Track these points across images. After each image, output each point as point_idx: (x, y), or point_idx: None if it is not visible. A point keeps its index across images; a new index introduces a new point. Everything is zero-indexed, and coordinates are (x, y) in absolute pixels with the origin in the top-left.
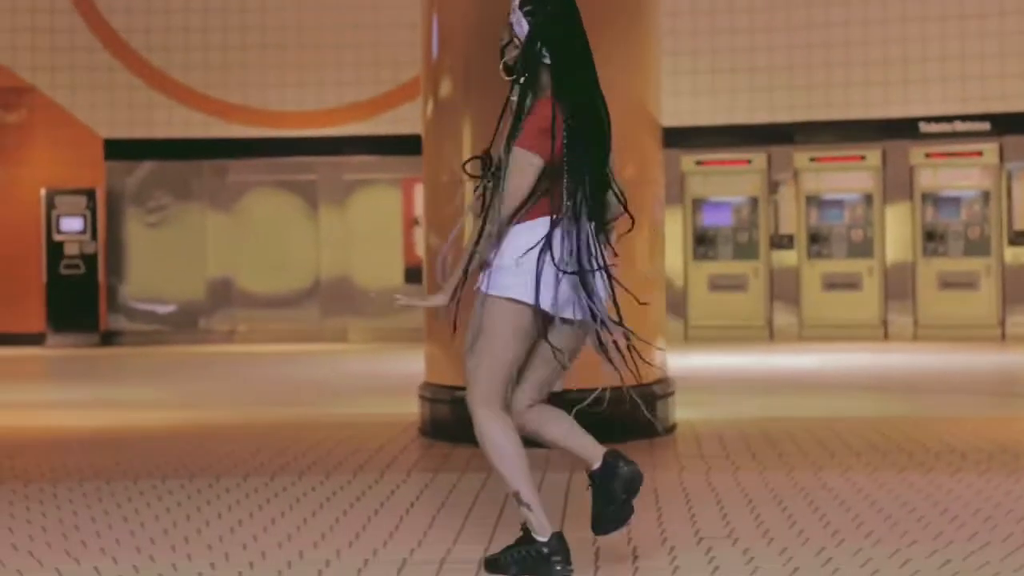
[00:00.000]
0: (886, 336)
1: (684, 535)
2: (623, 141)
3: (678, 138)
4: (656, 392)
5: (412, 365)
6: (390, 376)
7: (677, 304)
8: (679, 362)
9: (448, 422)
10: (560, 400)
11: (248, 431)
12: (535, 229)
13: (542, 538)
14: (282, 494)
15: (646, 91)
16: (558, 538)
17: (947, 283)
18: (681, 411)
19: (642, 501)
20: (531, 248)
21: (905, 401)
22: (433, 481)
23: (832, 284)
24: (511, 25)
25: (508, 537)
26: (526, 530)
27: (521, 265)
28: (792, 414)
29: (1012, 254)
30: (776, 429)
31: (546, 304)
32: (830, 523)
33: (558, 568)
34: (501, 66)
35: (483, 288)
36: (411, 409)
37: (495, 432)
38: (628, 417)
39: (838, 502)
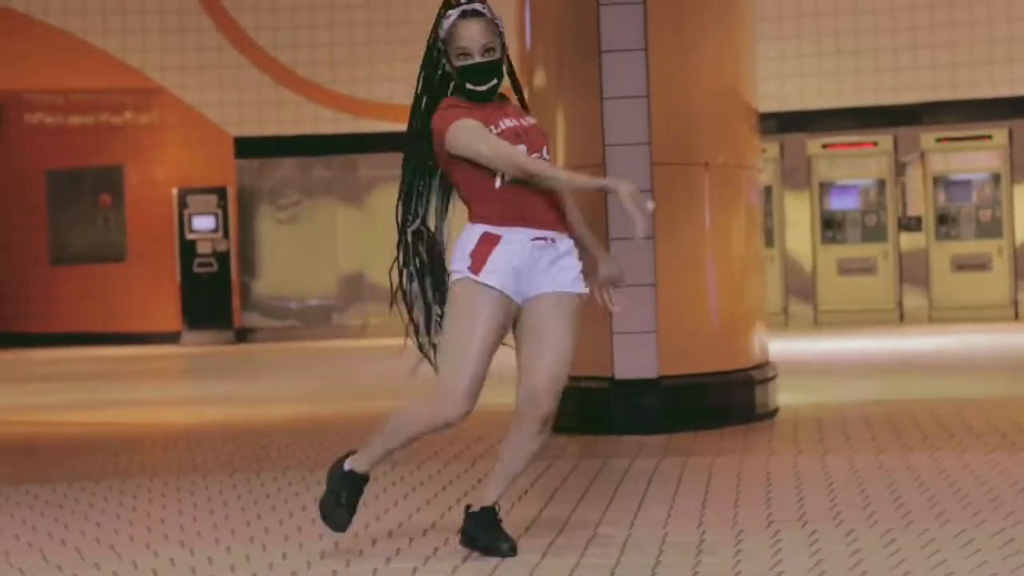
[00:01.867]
0: (1016, 316)
1: (756, 518)
2: (717, 126)
3: (803, 121)
4: (755, 377)
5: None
6: (508, 366)
7: (806, 289)
8: (803, 347)
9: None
10: (657, 387)
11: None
12: None
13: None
14: (399, 483)
15: (740, 77)
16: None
17: None
18: (788, 396)
19: (721, 485)
20: None
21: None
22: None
23: (961, 265)
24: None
25: (583, 524)
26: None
27: None
28: (903, 396)
29: None
30: (878, 412)
31: None
32: (903, 504)
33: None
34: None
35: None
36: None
37: None
38: (726, 402)
39: (917, 483)
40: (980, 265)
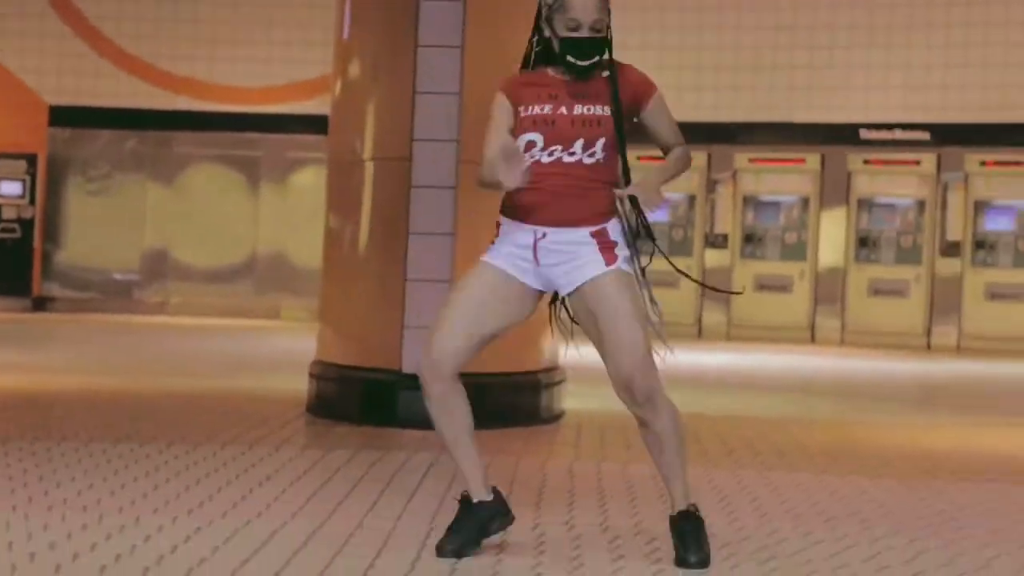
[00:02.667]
0: (813, 339)
1: (524, 518)
2: None
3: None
4: (542, 381)
5: None
6: (304, 352)
7: None
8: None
9: (333, 400)
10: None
11: (161, 400)
12: None
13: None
14: (172, 461)
15: None
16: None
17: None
18: (576, 401)
19: (494, 483)
20: None
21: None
22: (299, 456)
23: (764, 285)
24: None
25: (348, 515)
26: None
27: None
28: (688, 410)
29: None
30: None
31: None
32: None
33: None
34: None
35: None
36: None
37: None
38: (511, 403)
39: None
40: (782, 287)
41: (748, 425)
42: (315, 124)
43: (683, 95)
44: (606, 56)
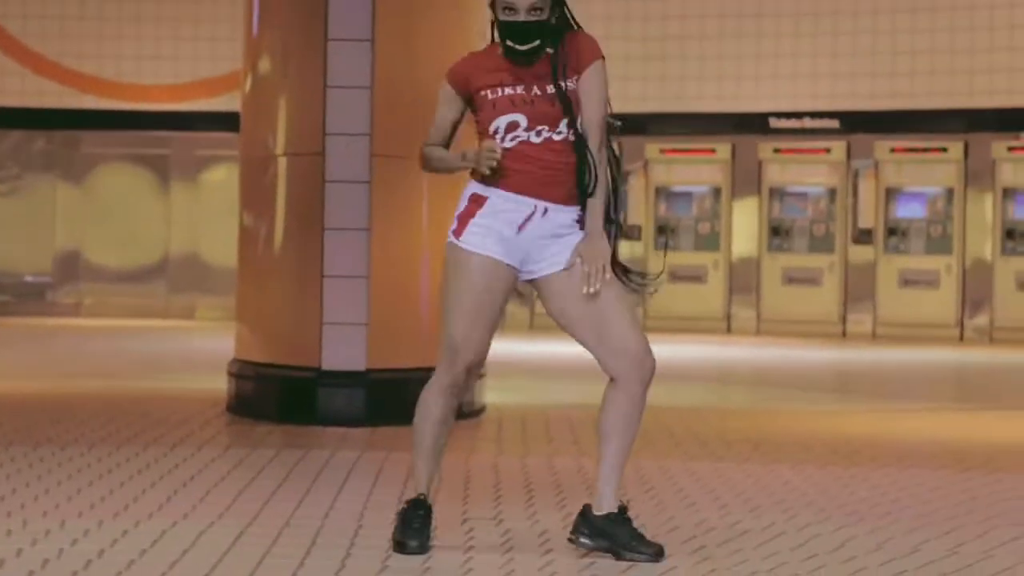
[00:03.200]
0: (729, 329)
1: (452, 514)
2: None
3: None
4: None
5: None
6: (221, 352)
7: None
8: (516, 348)
9: (252, 399)
10: (364, 379)
11: (69, 402)
12: None
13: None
14: (95, 464)
15: None
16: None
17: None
18: (497, 395)
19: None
20: None
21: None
22: (222, 456)
23: (678, 276)
24: None
25: (275, 514)
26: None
27: None
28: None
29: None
30: (581, 415)
31: None
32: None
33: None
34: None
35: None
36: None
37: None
38: None
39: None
40: (696, 277)
41: (668, 415)
42: (225, 121)
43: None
44: (552, 35)
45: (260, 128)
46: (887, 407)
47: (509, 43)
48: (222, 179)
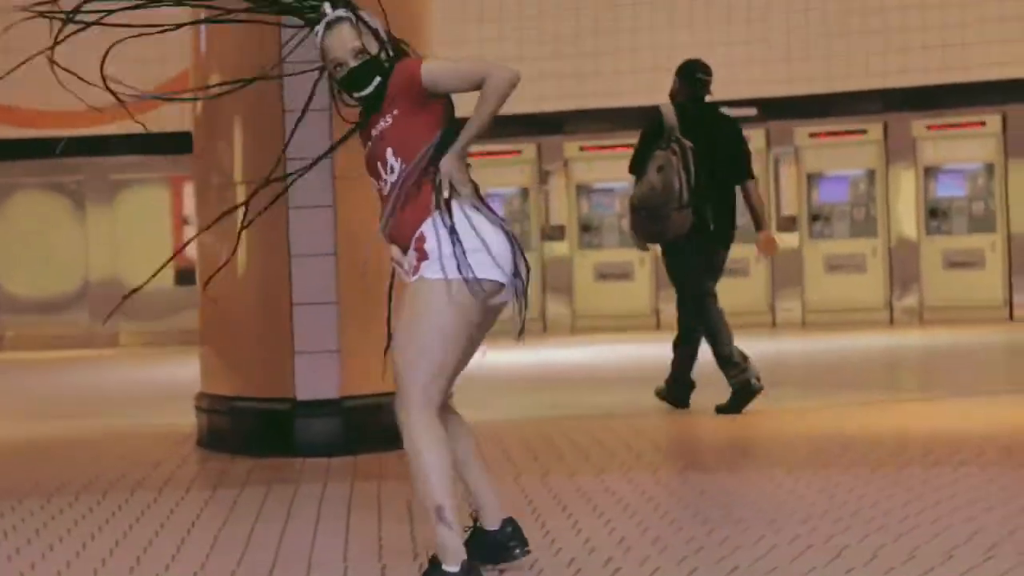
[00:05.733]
0: (658, 326)
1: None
2: None
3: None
4: None
5: (187, 370)
6: (165, 382)
7: None
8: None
9: (226, 433)
10: (339, 407)
11: (18, 448)
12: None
13: (452, 568)
14: (59, 517)
15: None
16: (470, 567)
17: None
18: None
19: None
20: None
21: None
22: (212, 497)
23: (604, 274)
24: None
25: (294, 553)
26: (433, 559)
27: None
28: (565, 412)
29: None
30: (553, 430)
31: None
32: (615, 530)
33: None
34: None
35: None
36: (188, 418)
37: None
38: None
39: (622, 507)
40: (623, 274)
41: (595, 424)
42: (137, 144)
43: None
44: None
45: (215, 154)
46: (817, 404)
47: (356, 94)
48: (138, 201)
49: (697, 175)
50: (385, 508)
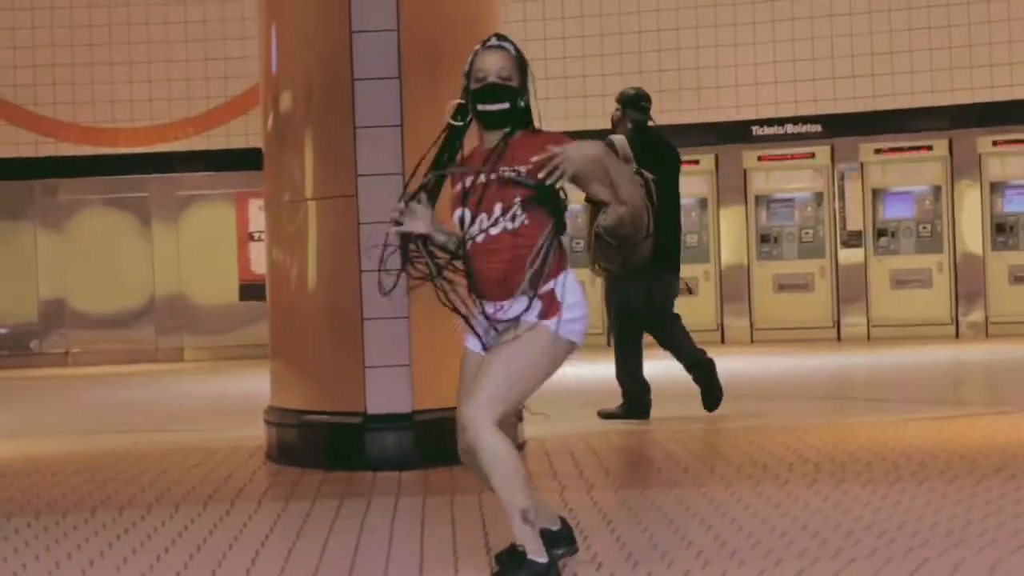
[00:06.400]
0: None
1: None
2: None
3: None
4: None
5: (251, 384)
6: (230, 396)
7: None
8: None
9: (296, 447)
10: (411, 421)
11: (89, 461)
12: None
13: (542, 559)
14: (132, 530)
15: None
16: (553, 564)
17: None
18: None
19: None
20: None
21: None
22: (285, 510)
23: None
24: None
25: (370, 566)
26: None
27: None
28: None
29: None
30: (627, 444)
31: None
32: (692, 543)
33: None
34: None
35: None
36: (255, 432)
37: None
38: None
39: (698, 520)
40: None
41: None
42: (203, 160)
43: (571, 104)
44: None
45: (286, 171)
46: (887, 419)
47: (480, 107)
48: (203, 218)
49: (656, 205)
50: (459, 522)
